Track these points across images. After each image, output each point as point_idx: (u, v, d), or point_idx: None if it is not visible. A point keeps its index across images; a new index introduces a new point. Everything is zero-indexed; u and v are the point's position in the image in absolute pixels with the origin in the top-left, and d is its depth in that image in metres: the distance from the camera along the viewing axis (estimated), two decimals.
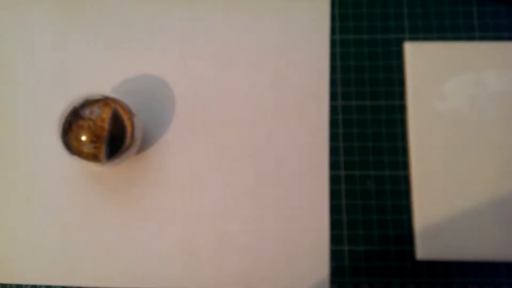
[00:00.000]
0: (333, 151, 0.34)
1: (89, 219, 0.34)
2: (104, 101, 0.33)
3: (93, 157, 0.32)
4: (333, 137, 0.35)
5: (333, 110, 0.35)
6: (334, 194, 0.34)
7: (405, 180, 0.34)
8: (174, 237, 0.34)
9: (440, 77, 0.34)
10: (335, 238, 0.33)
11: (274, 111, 0.35)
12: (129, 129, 0.33)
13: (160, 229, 0.34)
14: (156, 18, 0.37)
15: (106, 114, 0.33)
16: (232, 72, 0.36)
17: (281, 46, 0.36)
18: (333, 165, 0.34)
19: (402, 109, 0.35)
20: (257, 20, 0.37)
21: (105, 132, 0.33)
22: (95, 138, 0.34)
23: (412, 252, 0.33)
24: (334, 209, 0.34)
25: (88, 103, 0.33)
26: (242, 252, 0.33)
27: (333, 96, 0.35)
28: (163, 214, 0.34)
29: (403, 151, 0.34)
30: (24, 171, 0.35)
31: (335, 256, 0.33)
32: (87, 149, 0.33)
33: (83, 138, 0.33)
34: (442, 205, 0.33)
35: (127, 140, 0.33)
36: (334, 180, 0.34)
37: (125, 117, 0.33)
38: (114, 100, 0.33)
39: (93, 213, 0.34)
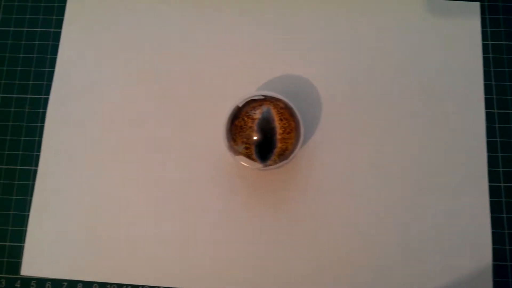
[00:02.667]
0: (491, 161, 0.33)
1: (235, 219, 0.32)
2: (263, 101, 0.31)
3: (249, 158, 0.31)
4: (491, 146, 0.33)
5: (489, 118, 0.34)
6: (495, 207, 0.32)
7: None
8: (321, 244, 0.32)
9: None
10: (498, 253, 0.32)
11: (425, 117, 0.33)
12: (278, 131, 0.31)
13: (307, 235, 0.32)
14: (302, 19, 0.35)
15: (258, 115, 0.32)
16: (381, 76, 0.34)
17: (431, 49, 0.34)
18: (492, 176, 0.33)
19: None
20: (406, 23, 0.35)
21: (254, 133, 0.31)
22: (245, 139, 0.32)
23: None
24: (496, 223, 0.32)
25: (249, 102, 0.31)
26: (395, 265, 0.31)
27: (488, 103, 0.34)
28: (310, 219, 0.32)
29: None
30: (182, 167, 0.33)
31: (498, 272, 0.31)
32: (240, 149, 0.31)
33: (235, 138, 0.32)
34: None
35: (278, 143, 0.31)
36: (493, 192, 0.32)
37: (276, 118, 0.32)
38: (273, 101, 0.31)
39: (239, 214, 0.32)
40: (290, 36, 0.35)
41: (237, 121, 0.31)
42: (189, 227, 0.32)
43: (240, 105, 0.31)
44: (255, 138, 0.31)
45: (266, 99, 0.31)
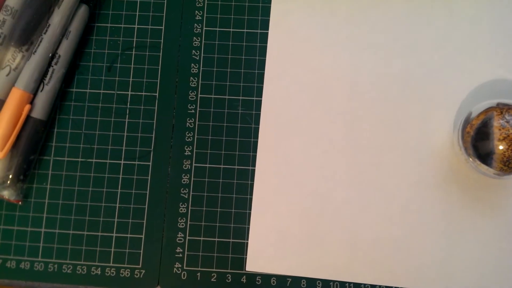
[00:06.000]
0: None
1: (455, 223, 0.33)
2: (490, 108, 0.32)
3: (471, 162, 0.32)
4: None
5: None
6: None
7: None
8: None
9: None
10: None
11: None
12: (497, 137, 0.32)
13: None
14: None
15: (478, 120, 0.32)
16: None
17: None
18: None
19: None
20: None
21: (469, 139, 0.32)
22: (464, 144, 0.33)
23: None
24: None
25: (483, 109, 0.32)
26: None
27: None
28: None
29: None
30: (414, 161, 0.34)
31: None
32: (462, 153, 0.33)
33: (462, 142, 0.32)
34: None
35: (496, 149, 0.32)
36: None
37: (496, 124, 0.32)
38: (504, 108, 0.32)
39: (461, 218, 0.33)
40: (506, 39, 0.35)
41: (467, 125, 0.32)
42: (407, 228, 0.33)
43: (474, 112, 0.32)
44: (471, 144, 0.32)
45: (498, 106, 0.32)
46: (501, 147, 0.31)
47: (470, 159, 0.32)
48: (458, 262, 0.33)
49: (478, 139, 0.32)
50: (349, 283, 0.33)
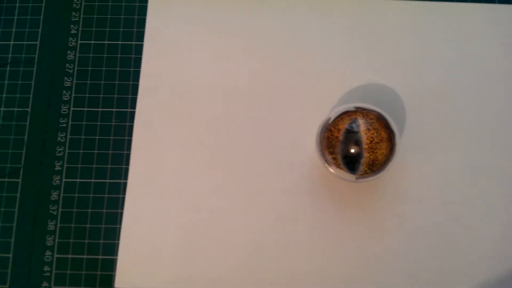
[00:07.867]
0: None
1: (325, 229, 0.32)
2: (353, 112, 0.31)
3: (338, 168, 0.31)
4: None
5: None
6: None
7: None
8: (413, 255, 0.32)
9: None
10: None
11: None
12: (365, 141, 0.31)
13: (399, 246, 0.32)
14: (388, 25, 0.35)
15: (344, 125, 0.32)
16: (468, 83, 0.34)
17: None
18: None
19: None
20: (493, 28, 0.35)
21: (339, 143, 0.32)
22: (331, 149, 0.32)
23: None
24: None
25: (340, 112, 0.31)
26: (493, 276, 0.31)
27: None
28: (402, 229, 0.32)
29: None
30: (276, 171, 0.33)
31: None
32: (328, 158, 0.31)
33: (323, 149, 0.32)
34: None
35: (364, 153, 0.31)
36: None
37: (362, 128, 0.31)
38: (363, 112, 0.31)
39: (329, 224, 0.32)
40: (375, 43, 0.35)
41: (325, 132, 0.31)
42: (282, 236, 0.32)
43: (333, 117, 0.31)
44: (340, 148, 0.31)
45: (357, 110, 0.31)
46: (367, 151, 0.30)
47: (326, 164, 0.31)
48: (334, 268, 0.32)
49: (346, 143, 0.31)
50: None
